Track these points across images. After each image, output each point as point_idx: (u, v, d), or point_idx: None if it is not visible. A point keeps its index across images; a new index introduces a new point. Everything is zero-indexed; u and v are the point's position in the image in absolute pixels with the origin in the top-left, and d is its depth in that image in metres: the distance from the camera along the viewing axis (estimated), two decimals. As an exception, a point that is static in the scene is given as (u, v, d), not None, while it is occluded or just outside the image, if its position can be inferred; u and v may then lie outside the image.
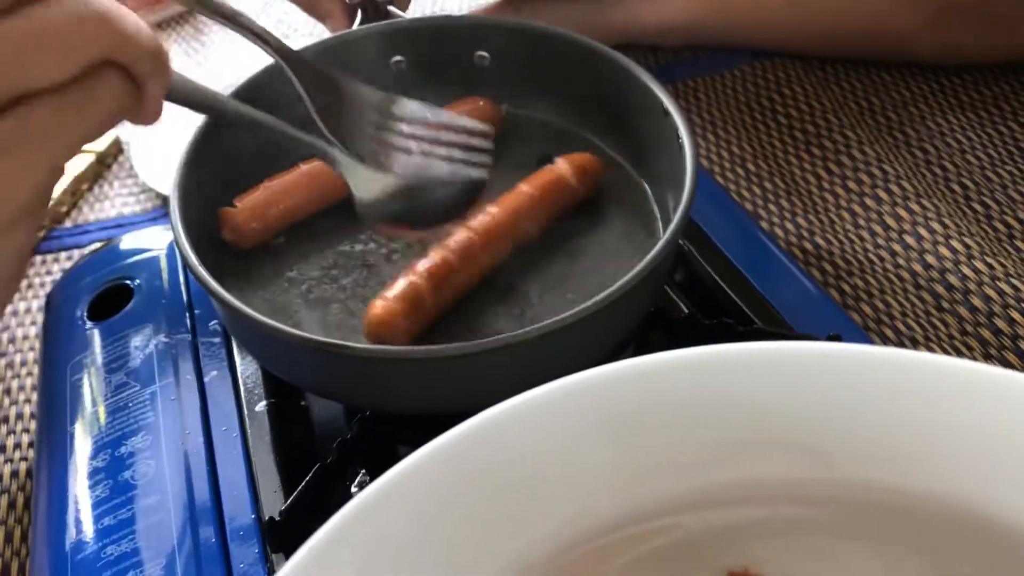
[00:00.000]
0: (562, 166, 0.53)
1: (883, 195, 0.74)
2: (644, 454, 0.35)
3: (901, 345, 0.63)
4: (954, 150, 0.78)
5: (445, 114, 0.47)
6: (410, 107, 0.46)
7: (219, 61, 0.98)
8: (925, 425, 0.31)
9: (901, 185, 0.75)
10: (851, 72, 0.87)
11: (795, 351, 0.33)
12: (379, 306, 0.47)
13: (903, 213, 0.72)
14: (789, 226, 0.73)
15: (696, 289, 0.56)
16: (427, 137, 0.45)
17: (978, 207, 0.73)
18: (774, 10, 0.87)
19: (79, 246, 0.77)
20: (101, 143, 0.86)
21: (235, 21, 0.44)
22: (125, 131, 0.88)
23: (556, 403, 0.35)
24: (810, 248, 0.71)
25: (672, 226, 0.46)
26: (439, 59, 0.60)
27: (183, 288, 0.58)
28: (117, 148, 0.86)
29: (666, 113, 0.52)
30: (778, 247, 0.60)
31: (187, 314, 0.58)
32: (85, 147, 0.85)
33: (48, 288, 0.71)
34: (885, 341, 0.63)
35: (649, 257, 0.45)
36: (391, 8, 0.61)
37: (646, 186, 0.57)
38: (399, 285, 0.48)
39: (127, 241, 0.63)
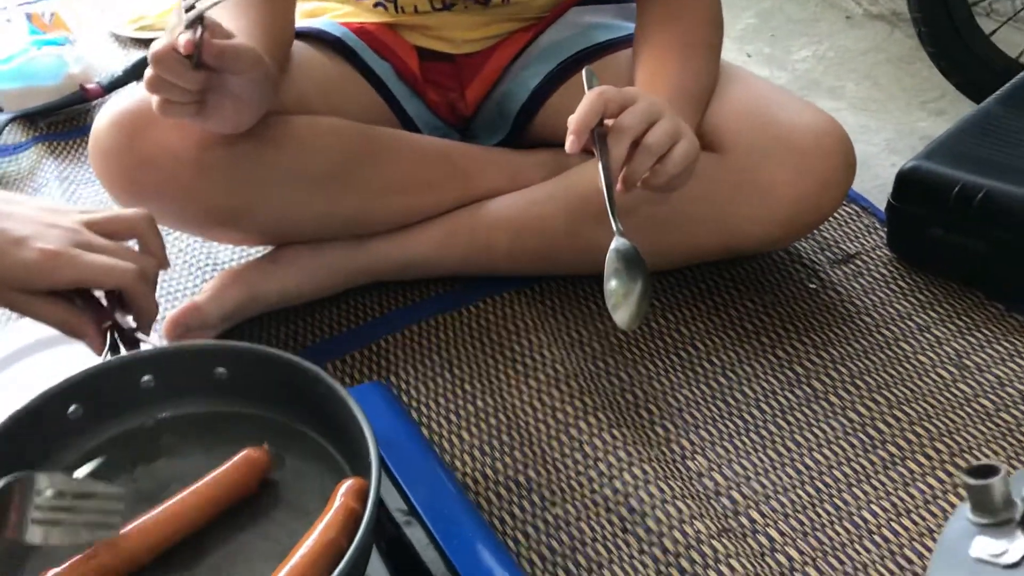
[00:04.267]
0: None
1: (583, 426, 0.89)
2: None
3: (590, 571, 0.76)
4: (643, 377, 0.94)
5: (81, 483, 0.58)
6: (48, 480, 0.57)
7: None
8: None
9: (598, 416, 0.89)
10: (564, 304, 1.03)
11: None
12: None
13: (598, 443, 0.87)
14: (507, 460, 0.86)
15: (406, 562, 0.68)
16: (59, 506, 0.57)
17: (659, 431, 0.88)
18: (493, 240, 1.03)
19: None
20: None
21: None
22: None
23: None
24: (522, 482, 0.84)
25: (360, 530, 0.58)
26: (185, 376, 0.71)
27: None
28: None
29: (353, 416, 0.65)
30: (482, 522, 0.72)
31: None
32: None
33: None
34: (578, 569, 0.77)
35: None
36: (139, 335, 0.72)
37: (343, 460, 0.68)
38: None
39: None
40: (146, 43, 1.60)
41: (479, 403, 0.93)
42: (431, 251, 1.04)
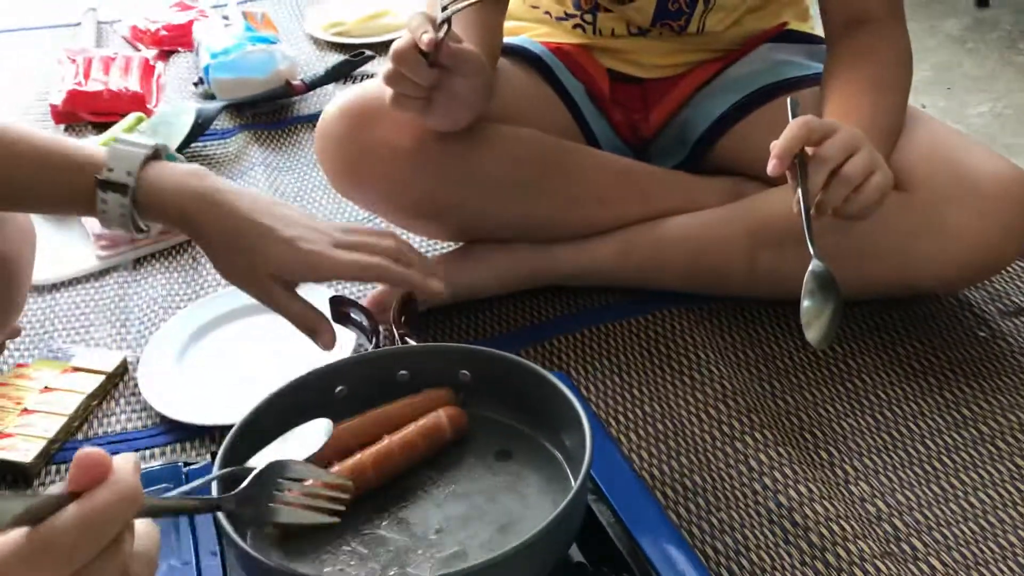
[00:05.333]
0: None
1: (749, 440, 0.92)
2: None
3: (752, 574, 0.80)
4: (809, 403, 0.97)
5: (316, 472, 0.65)
6: (292, 467, 0.64)
7: (214, 281, 1.16)
8: None
9: (763, 433, 0.93)
10: (733, 325, 1.07)
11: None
12: None
13: (763, 458, 0.90)
14: (674, 464, 0.90)
15: (592, 537, 0.73)
16: (296, 489, 0.64)
17: (823, 454, 0.91)
18: (669, 257, 1.08)
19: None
20: (110, 364, 1.01)
21: None
22: (131, 354, 1.04)
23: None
24: (688, 485, 0.88)
25: (570, 495, 0.64)
26: (434, 374, 0.79)
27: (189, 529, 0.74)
28: (124, 368, 1.02)
29: (576, 414, 0.71)
30: (659, 507, 0.77)
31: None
32: (96, 367, 1.01)
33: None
34: (741, 571, 0.80)
35: (551, 518, 0.62)
36: (407, 338, 0.82)
37: (562, 460, 0.75)
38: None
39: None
40: (342, 47, 1.72)
41: (647, 408, 0.97)
42: (609, 261, 1.09)
